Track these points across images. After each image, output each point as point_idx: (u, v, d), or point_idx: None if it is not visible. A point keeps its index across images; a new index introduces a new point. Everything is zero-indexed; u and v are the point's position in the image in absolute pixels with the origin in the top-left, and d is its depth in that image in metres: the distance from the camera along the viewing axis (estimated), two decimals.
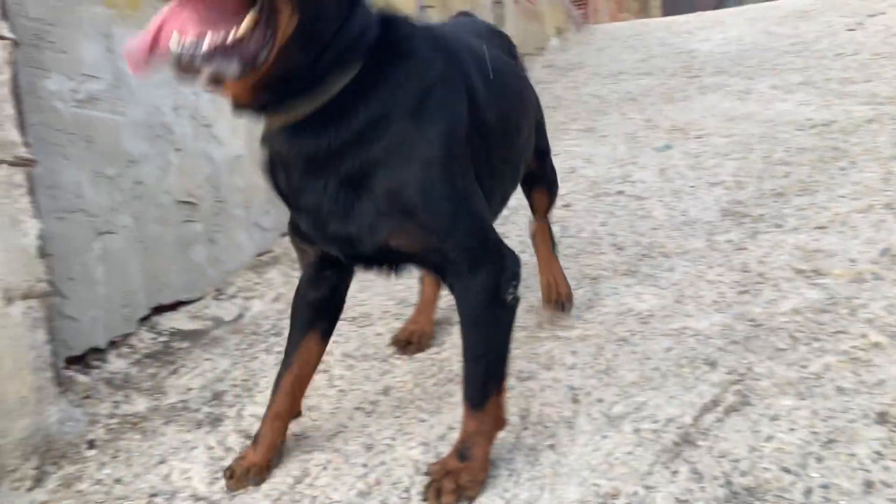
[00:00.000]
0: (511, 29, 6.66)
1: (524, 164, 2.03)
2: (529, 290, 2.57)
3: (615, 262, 2.72)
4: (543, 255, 2.46)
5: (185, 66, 1.07)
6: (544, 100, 2.56)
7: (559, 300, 2.38)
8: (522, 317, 2.39)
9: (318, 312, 1.75)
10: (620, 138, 4.34)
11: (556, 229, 3.14)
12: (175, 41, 1.05)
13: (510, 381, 2.00)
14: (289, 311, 2.78)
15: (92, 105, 2.47)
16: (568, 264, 2.77)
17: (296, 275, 3.12)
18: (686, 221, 2.98)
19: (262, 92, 1.25)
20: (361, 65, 1.31)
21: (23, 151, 2.02)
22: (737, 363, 1.89)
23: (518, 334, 2.27)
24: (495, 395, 1.53)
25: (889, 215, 2.65)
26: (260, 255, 3.32)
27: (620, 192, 3.44)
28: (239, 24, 1.08)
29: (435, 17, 5.16)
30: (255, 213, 3.32)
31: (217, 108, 3.09)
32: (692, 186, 3.35)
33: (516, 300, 1.52)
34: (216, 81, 1.13)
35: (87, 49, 2.46)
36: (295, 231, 1.57)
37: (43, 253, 2.06)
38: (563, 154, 4.18)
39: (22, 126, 2.05)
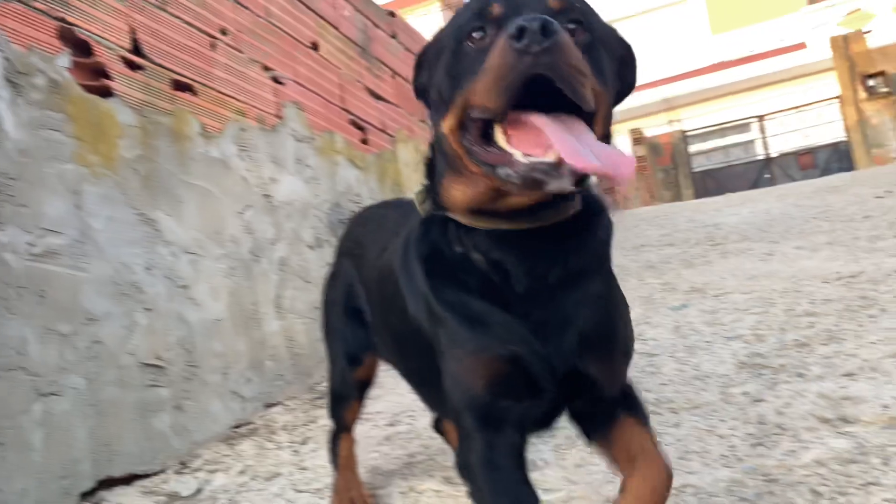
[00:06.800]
0: None
1: None
2: None
3: None
4: None
5: (535, 181, 1.07)
6: None
7: None
8: None
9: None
10: (636, 301, 4.11)
11: None
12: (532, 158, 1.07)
13: None
14: (251, 484, 2.52)
15: (50, 259, 2.38)
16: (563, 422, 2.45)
17: (270, 446, 2.85)
18: (698, 376, 2.67)
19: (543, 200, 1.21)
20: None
21: None
22: None
23: None
24: None
25: None
26: (237, 426, 3.06)
27: None
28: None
29: None
30: (235, 380, 3.11)
31: (196, 269, 2.99)
32: (707, 342, 3.06)
33: None
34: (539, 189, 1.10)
35: (51, 204, 2.41)
36: (471, 341, 1.29)
37: None
38: None
39: None
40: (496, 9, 1.14)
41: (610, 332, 1.33)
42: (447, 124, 1.19)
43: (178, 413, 2.78)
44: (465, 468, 1.32)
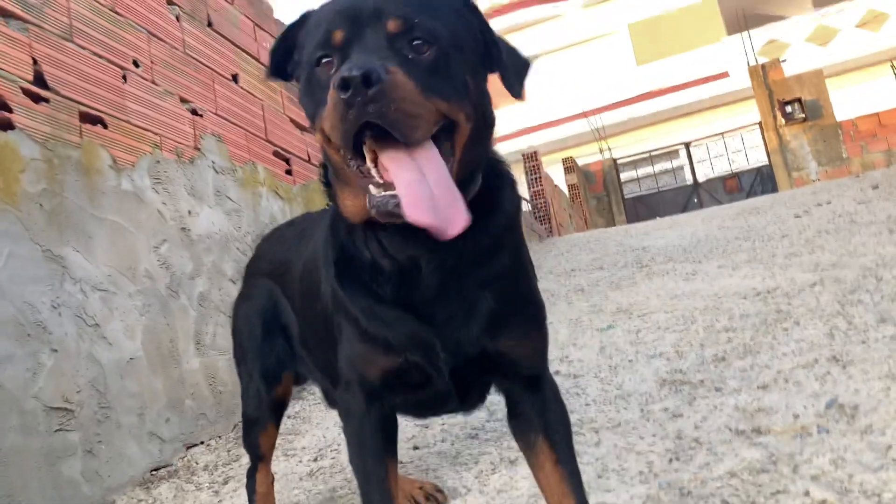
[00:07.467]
0: None
1: None
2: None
3: None
4: None
5: (388, 213, 1.11)
6: None
7: None
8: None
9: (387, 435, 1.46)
10: (564, 324, 4.14)
11: (482, 413, 2.83)
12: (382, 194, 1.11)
13: None
14: None
15: None
16: (489, 448, 2.43)
17: (190, 488, 2.75)
18: (620, 395, 2.68)
19: None
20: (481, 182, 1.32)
21: None
22: None
23: None
24: None
25: (835, 367, 2.37)
26: (155, 469, 2.94)
27: (556, 372, 3.16)
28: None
29: None
30: (152, 421, 2.99)
31: (109, 306, 2.88)
32: (630, 361, 3.09)
33: None
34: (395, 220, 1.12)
35: None
36: (374, 340, 1.33)
37: None
38: None
39: None
40: (338, 36, 1.16)
41: (520, 303, 1.36)
42: (318, 138, 1.20)
43: (90, 458, 2.65)
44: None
